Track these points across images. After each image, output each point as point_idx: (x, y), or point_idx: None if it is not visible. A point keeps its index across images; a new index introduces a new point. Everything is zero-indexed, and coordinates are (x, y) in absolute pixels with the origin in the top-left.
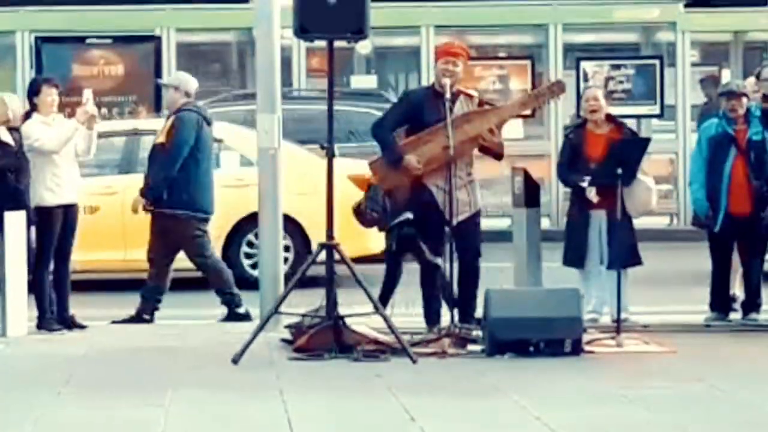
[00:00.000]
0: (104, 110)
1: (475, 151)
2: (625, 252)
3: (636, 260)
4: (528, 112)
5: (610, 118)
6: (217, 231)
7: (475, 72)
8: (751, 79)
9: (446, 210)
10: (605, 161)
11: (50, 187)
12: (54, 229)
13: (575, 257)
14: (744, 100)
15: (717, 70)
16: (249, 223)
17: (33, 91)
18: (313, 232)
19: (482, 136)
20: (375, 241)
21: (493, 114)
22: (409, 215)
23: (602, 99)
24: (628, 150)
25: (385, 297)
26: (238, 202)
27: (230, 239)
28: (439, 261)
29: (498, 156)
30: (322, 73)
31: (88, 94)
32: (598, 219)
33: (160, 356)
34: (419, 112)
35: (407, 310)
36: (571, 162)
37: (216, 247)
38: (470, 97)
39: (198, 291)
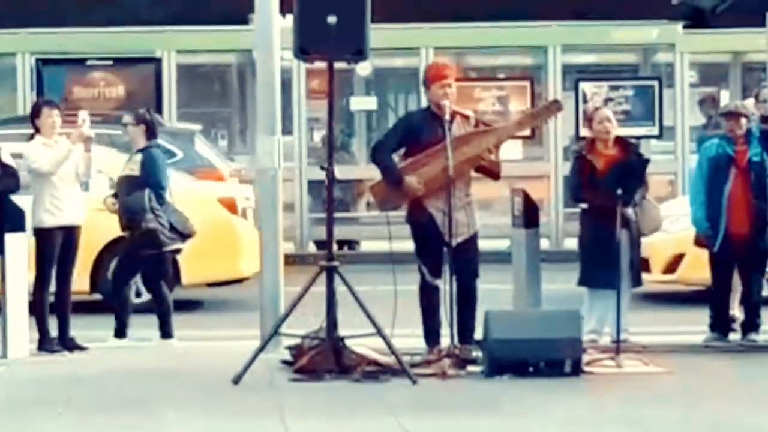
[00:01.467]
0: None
1: (472, 172)
2: (635, 271)
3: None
4: (527, 132)
5: (617, 139)
6: (85, 255)
7: (475, 93)
8: (751, 101)
9: (445, 231)
10: (607, 182)
11: (49, 209)
12: (53, 251)
13: (605, 277)
14: (743, 120)
15: (716, 91)
16: (117, 246)
17: (34, 113)
18: (187, 261)
19: (481, 156)
20: (247, 263)
21: (491, 134)
22: (182, 245)
23: (614, 120)
24: (628, 171)
25: (166, 322)
26: (107, 226)
27: (98, 263)
28: (438, 282)
29: (495, 176)
30: (322, 94)
31: (83, 116)
32: (620, 238)
33: (161, 377)
34: (418, 134)
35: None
36: (581, 181)
37: (84, 270)
38: (466, 117)
39: (197, 311)
